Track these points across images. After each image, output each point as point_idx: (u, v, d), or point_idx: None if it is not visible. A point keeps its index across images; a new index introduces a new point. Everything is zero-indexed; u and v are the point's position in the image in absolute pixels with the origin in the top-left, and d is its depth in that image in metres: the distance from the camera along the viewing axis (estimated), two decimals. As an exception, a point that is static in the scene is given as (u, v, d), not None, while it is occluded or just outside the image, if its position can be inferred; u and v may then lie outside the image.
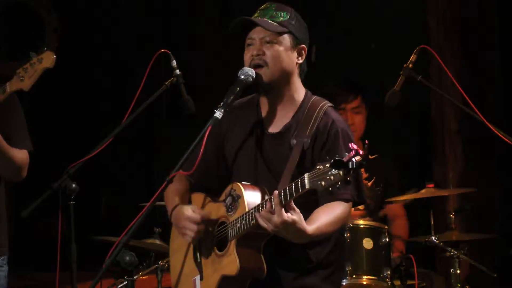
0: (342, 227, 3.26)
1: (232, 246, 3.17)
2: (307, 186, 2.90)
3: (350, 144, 2.90)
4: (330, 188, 2.86)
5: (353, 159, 2.81)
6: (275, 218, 2.98)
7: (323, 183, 2.86)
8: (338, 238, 3.32)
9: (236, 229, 3.18)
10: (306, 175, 2.91)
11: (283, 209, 2.97)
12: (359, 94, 5.35)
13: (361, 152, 2.83)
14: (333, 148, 3.20)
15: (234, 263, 3.14)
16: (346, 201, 3.19)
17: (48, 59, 3.46)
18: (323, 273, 3.26)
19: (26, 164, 3.75)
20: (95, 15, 6.87)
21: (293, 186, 2.96)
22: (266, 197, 3.13)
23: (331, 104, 3.35)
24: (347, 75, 5.83)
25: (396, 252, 5.11)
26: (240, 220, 3.16)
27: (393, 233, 5.21)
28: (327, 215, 3.13)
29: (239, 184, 3.22)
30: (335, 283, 3.31)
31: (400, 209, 5.43)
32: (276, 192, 3.00)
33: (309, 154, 3.22)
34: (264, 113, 3.38)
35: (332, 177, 2.84)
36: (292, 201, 2.99)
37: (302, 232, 3.01)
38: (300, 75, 3.37)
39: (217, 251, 3.28)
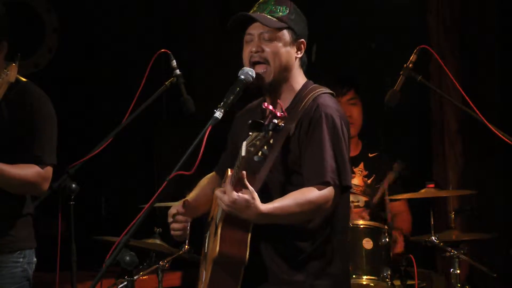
0: (322, 211, 3.15)
1: (218, 229, 3.17)
2: (243, 153, 2.92)
3: (264, 105, 2.93)
4: (260, 154, 2.88)
5: (273, 120, 2.86)
6: (225, 197, 2.99)
7: (252, 149, 2.89)
8: (333, 228, 3.26)
9: (219, 211, 3.21)
10: (243, 143, 2.93)
11: (233, 189, 2.98)
12: (352, 87, 5.34)
13: (278, 113, 2.87)
14: (316, 131, 3.18)
15: (216, 246, 3.14)
16: (324, 184, 3.13)
17: (11, 73, 3.48)
18: (318, 265, 3.22)
19: (35, 181, 3.63)
20: (95, 15, 6.87)
21: (237, 159, 2.98)
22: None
23: (327, 91, 3.33)
24: (339, 75, 5.80)
25: (399, 247, 5.10)
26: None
27: (395, 226, 5.21)
28: (293, 196, 3.10)
29: (228, 169, 3.25)
30: (332, 275, 3.25)
31: (403, 205, 5.42)
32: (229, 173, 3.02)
33: (295, 139, 3.21)
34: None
35: (258, 142, 2.88)
36: (245, 180, 2.98)
37: (255, 210, 3.00)
38: (302, 66, 3.37)
39: (213, 237, 3.30)
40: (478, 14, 5.89)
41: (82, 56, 6.77)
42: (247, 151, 2.91)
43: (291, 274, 3.21)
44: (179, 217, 3.42)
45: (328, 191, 3.14)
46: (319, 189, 3.12)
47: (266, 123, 2.88)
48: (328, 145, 3.17)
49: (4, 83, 3.49)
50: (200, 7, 6.97)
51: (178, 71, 4.23)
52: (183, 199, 3.47)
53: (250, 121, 2.90)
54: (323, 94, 3.30)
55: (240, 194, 2.98)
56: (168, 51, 4.20)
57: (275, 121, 2.88)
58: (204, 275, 3.32)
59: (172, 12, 7.00)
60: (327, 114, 3.21)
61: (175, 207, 3.45)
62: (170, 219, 3.44)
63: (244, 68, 3.28)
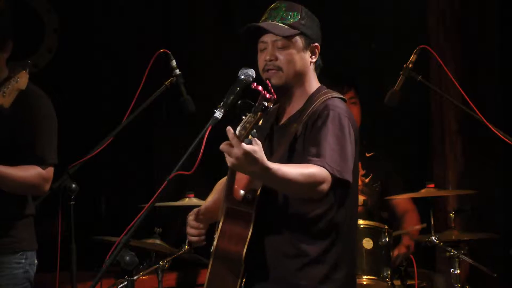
0: (318, 190, 3.08)
1: (220, 224, 3.16)
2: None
3: (252, 85, 2.96)
4: (250, 136, 2.88)
5: (262, 102, 2.91)
6: (235, 150, 2.90)
7: (243, 132, 2.90)
8: (338, 231, 3.23)
9: (222, 206, 3.20)
10: (237, 128, 2.93)
11: (240, 143, 2.90)
12: (352, 86, 5.34)
13: (267, 95, 2.91)
14: (321, 127, 3.17)
15: (215, 240, 3.14)
16: (323, 167, 3.08)
17: (22, 79, 3.44)
18: (323, 269, 3.20)
19: (36, 183, 3.65)
20: (95, 15, 6.87)
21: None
22: None
23: (339, 96, 3.32)
24: (338, 74, 5.81)
25: (402, 248, 5.10)
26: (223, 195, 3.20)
27: (404, 229, 5.21)
28: (295, 165, 3.07)
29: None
30: (336, 280, 3.22)
31: (409, 203, 5.41)
32: (228, 127, 2.94)
33: (301, 139, 3.22)
34: (281, 109, 3.39)
35: (248, 124, 2.90)
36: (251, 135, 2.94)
37: (262, 163, 2.92)
38: (316, 70, 3.37)
39: None
40: (478, 14, 5.89)
41: (82, 56, 6.77)
42: (240, 134, 2.91)
43: (296, 277, 3.19)
44: (193, 223, 3.38)
45: (325, 172, 3.08)
46: (318, 168, 3.08)
47: (256, 104, 2.90)
48: (332, 138, 3.15)
49: (14, 90, 3.44)
50: (200, 7, 6.97)
51: (177, 71, 4.23)
52: (197, 209, 3.44)
53: (239, 102, 2.91)
54: (334, 98, 3.29)
55: (249, 145, 2.89)
56: (168, 51, 4.19)
57: (265, 103, 2.91)
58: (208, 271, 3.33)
59: (172, 12, 7.00)
60: (335, 112, 3.20)
61: (192, 213, 3.42)
62: (187, 227, 3.42)
63: (244, 68, 3.28)
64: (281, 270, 3.21)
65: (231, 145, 2.92)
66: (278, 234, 3.19)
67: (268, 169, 2.96)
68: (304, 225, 3.20)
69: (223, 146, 2.95)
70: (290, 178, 3.03)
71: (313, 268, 3.20)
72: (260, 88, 2.94)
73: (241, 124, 2.94)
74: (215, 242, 3.13)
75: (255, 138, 2.93)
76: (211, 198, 3.52)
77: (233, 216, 3.13)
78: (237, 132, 2.92)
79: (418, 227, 5.23)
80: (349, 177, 3.17)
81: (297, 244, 3.20)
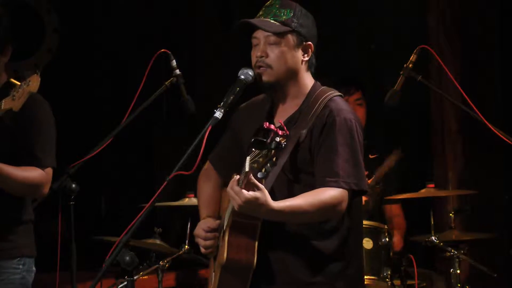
0: (335, 213, 3.13)
1: (226, 236, 3.16)
2: (246, 169, 2.93)
3: (265, 124, 2.94)
4: (263, 170, 2.90)
5: (275, 139, 2.89)
6: (236, 198, 2.97)
7: (255, 165, 2.91)
8: (349, 229, 3.24)
9: (227, 216, 3.20)
10: (247, 158, 2.94)
11: (242, 189, 2.96)
12: (360, 87, 5.36)
13: (280, 132, 2.90)
14: (330, 135, 3.17)
15: (223, 253, 3.13)
16: (338, 186, 3.12)
17: (34, 83, 3.42)
18: (337, 266, 3.21)
19: (38, 183, 3.63)
20: (95, 15, 6.87)
21: (242, 171, 2.99)
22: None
23: (337, 93, 3.31)
24: (346, 75, 5.82)
25: (397, 245, 5.11)
26: (228, 208, 3.19)
27: (391, 227, 5.23)
28: (305, 197, 3.09)
29: (234, 175, 3.21)
30: (349, 276, 3.23)
31: (398, 209, 5.44)
32: (236, 176, 3.02)
33: (305, 145, 3.20)
34: (274, 107, 3.36)
35: (261, 159, 2.90)
36: (255, 179, 2.96)
37: (266, 207, 2.98)
38: (309, 68, 3.34)
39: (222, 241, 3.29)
40: (478, 14, 5.90)
41: (82, 56, 6.77)
42: (251, 167, 2.91)
43: (311, 275, 3.20)
44: (209, 235, 3.36)
45: (341, 192, 3.12)
46: (333, 191, 3.11)
47: (268, 141, 2.88)
48: (343, 148, 3.16)
49: (25, 93, 3.42)
50: (200, 7, 6.97)
51: (178, 71, 4.22)
52: (206, 220, 3.41)
53: (252, 139, 2.90)
54: (334, 97, 3.28)
55: (251, 192, 2.96)
56: (168, 51, 4.19)
57: (277, 139, 2.89)
58: (213, 279, 3.31)
59: (172, 12, 7.00)
60: (342, 117, 3.19)
61: (200, 228, 3.39)
62: (197, 239, 3.40)
63: (244, 68, 3.27)
64: (298, 270, 3.20)
65: (235, 193, 2.98)
66: (288, 236, 3.19)
67: (275, 211, 3.02)
68: (316, 224, 3.20)
69: (229, 190, 3.02)
70: (301, 213, 3.08)
71: (329, 265, 3.21)
72: (272, 126, 2.93)
73: (251, 156, 2.94)
74: (225, 255, 3.11)
75: (258, 183, 2.96)
76: (205, 208, 3.49)
77: (239, 229, 3.13)
78: (247, 164, 2.93)
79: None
80: (365, 185, 3.21)
81: (310, 243, 3.20)
